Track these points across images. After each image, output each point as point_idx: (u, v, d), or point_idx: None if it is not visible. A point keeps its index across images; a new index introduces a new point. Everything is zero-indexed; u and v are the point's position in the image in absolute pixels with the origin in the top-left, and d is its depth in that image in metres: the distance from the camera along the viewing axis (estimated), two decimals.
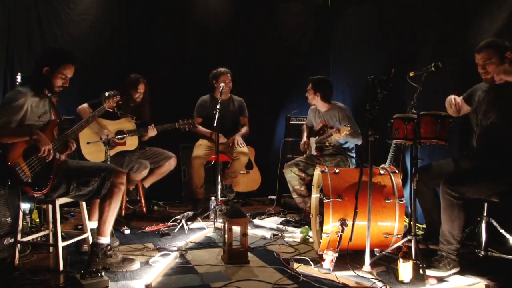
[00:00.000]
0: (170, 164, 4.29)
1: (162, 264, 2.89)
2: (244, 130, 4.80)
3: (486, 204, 2.94)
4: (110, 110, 3.29)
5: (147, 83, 4.24)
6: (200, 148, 4.58)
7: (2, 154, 2.55)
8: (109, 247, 2.83)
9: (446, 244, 2.80)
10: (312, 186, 3.43)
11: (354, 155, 4.26)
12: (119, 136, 4.04)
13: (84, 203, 3.02)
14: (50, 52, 2.89)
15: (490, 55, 2.83)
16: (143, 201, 4.35)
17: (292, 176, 4.12)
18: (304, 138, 4.46)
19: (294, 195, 4.20)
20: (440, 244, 2.85)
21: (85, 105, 4.05)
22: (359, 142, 4.00)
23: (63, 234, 2.92)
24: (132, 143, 4.14)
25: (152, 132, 4.13)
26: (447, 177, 2.84)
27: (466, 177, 2.82)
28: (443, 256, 2.79)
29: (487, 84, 2.98)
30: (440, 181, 3.08)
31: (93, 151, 3.97)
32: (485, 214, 2.95)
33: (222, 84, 4.26)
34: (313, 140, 4.30)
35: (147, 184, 4.33)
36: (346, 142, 4.17)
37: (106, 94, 3.23)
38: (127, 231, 3.69)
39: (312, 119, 4.44)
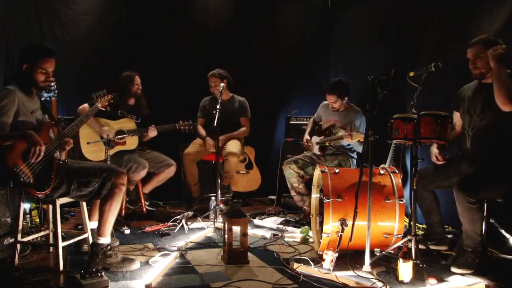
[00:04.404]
0: (170, 171, 4.29)
1: (162, 264, 2.89)
2: (237, 132, 4.68)
3: (486, 204, 2.94)
4: (103, 109, 3.27)
5: (140, 76, 4.27)
6: (193, 146, 4.62)
7: (1, 156, 2.50)
8: (109, 247, 2.83)
9: (472, 240, 2.84)
10: (312, 186, 3.43)
11: (355, 156, 4.26)
12: (119, 136, 4.04)
13: (84, 203, 3.02)
14: (26, 49, 2.85)
15: (479, 50, 2.87)
16: (143, 201, 4.35)
17: (290, 173, 4.12)
18: (307, 135, 4.41)
19: (293, 193, 4.19)
20: (465, 241, 2.88)
21: (86, 105, 4.04)
22: None
23: (63, 234, 2.91)
24: (131, 142, 4.14)
25: (152, 132, 4.14)
26: (461, 184, 2.83)
27: (479, 182, 2.82)
28: (469, 251, 2.83)
29: (475, 84, 3.00)
30: (439, 184, 3.09)
31: (93, 150, 3.98)
32: (485, 214, 2.95)
33: (222, 85, 4.25)
34: (315, 139, 4.29)
35: (146, 190, 4.35)
36: (349, 144, 4.17)
37: (93, 95, 3.23)
38: (127, 231, 3.69)
39: (322, 114, 4.38)
